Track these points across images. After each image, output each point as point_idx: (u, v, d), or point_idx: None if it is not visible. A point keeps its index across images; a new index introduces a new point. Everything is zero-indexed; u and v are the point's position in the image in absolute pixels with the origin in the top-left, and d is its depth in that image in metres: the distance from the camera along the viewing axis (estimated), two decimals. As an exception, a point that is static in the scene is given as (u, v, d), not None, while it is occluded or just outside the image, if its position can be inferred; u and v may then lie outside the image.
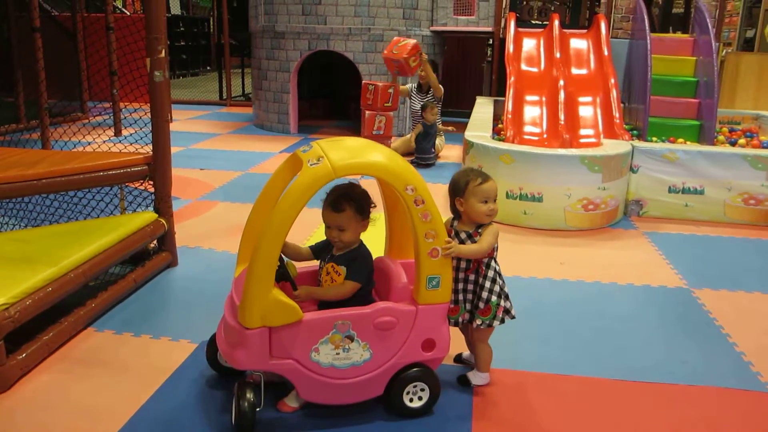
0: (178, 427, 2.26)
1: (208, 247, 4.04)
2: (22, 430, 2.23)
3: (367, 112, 5.88)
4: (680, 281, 3.70)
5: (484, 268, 2.40)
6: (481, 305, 2.39)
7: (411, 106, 7.17)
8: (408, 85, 7.13)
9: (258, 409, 2.16)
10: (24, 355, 2.55)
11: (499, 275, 2.43)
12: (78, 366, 2.66)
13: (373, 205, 2.38)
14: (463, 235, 2.39)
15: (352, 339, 2.20)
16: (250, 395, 2.13)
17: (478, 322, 2.40)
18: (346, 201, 2.29)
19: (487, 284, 2.39)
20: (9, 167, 3.23)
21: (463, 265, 2.40)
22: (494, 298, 2.39)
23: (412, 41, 5.95)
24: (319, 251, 2.48)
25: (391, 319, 2.21)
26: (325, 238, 2.42)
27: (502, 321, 2.42)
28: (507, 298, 2.44)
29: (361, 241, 2.38)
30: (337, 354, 2.20)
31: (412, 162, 6.63)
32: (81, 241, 3.10)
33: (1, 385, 2.44)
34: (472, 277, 2.41)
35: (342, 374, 2.22)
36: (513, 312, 2.45)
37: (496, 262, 2.43)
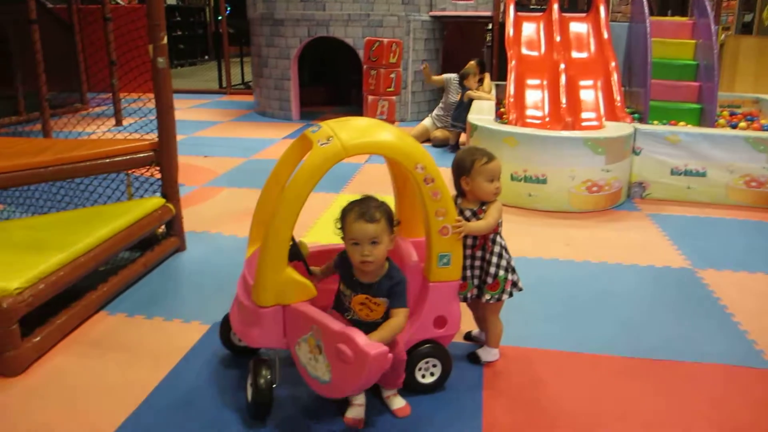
0: (193, 405, 2.29)
1: (216, 232, 4.06)
2: (38, 412, 2.26)
3: (369, 97, 5.89)
4: (684, 262, 3.74)
5: (490, 244, 2.43)
6: (490, 280, 2.43)
7: (447, 98, 6.89)
8: (446, 75, 6.97)
9: (274, 386, 2.19)
10: (38, 338, 2.58)
11: (505, 250, 2.47)
12: (92, 348, 2.69)
13: (397, 222, 2.20)
14: (468, 213, 2.42)
15: (320, 350, 2.05)
16: (266, 373, 2.16)
17: (487, 297, 2.44)
18: (378, 210, 2.08)
19: (494, 259, 2.42)
20: (15, 156, 3.25)
21: (469, 242, 2.43)
22: (501, 272, 2.43)
23: None
24: (330, 272, 2.33)
25: (348, 353, 1.93)
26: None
27: (511, 294, 2.47)
28: (514, 271, 2.48)
29: (388, 257, 2.16)
30: (309, 359, 2.10)
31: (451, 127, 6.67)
32: (90, 226, 3.12)
33: (16, 368, 2.48)
34: (479, 253, 2.44)
35: (310, 381, 2.12)
36: (520, 284, 2.50)
37: (501, 237, 2.47)
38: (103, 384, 2.43)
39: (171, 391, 2.38)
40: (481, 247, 2.44)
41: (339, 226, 2.13)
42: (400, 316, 2.11)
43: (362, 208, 2.07)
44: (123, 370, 2.52)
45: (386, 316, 2.13)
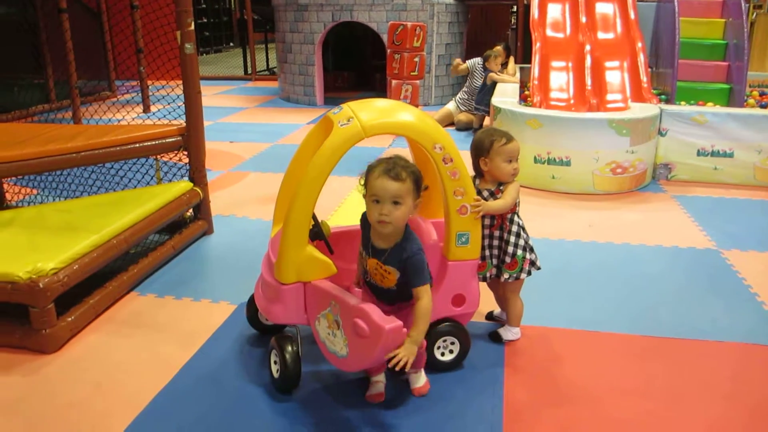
0: (222, 381, 2.37)
1: (242, 215, 4.15)
2: (74, 387, 2.36)
3: (393, 81, 5.90)
4: (709, 242, 3.71)
5: (508, 223, 2.46)
6: (508, 259, 2.46)
7: (472, 82, 6.89)
8: (470, 61, 6.94)
9: (300, 358, 2.25)
10: (72, 317, 2.68)
11: (523, 229, 2.49)
12: (123, 327, 2.78)
13: (425, 187, 2.13)
14: (485, 194, 2.45)
15: (338, 326, 2.07)
16: (291, 347, 2.22)
17: (506, 276, 2.48)
18: (405, 170, 1.99)
19: (512, 239, 2.45)
20: (48, 142, 3.35)
21: (487, 222, 2.46)
22: (519, 251, 2.46)
23: None
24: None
25: (364, 327, 1.95)
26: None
27: (529, 273, 2.50)
28: (532, 250, 2.50)
29: (407, 226, 2.09)
30: (328, 334, 2.13)
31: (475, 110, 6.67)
32: (121, 210, 3.21)
33: (52, 345, 2.58)
34: (497, 233, 2.48)
35: (329, 356, 2.16)
36: (538, 263, 2.52)
37: (519, 216, 2.49)
38: (134, 361, 2.52)
39: (200, 367, 2.46)
40: (499, 227, 2.47)
41: (362, 182, 2.05)
42: (423, 297, 2.03)
43: (388, 165, 2.00)
44: (153, 348, 2.61)
45: (399, 286, 2.12)
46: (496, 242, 2.49)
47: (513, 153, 2.41)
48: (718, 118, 4.72)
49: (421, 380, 2.28)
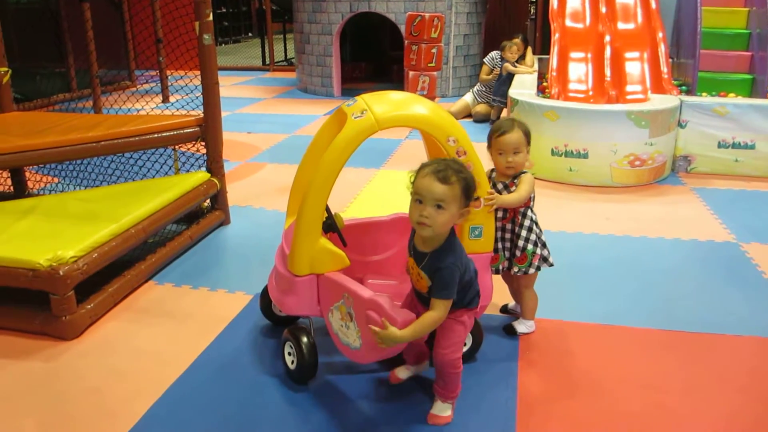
0: (237, 370, 2.40)
1: (259, 206, 4.18)
2: (93, 372, 2.41)
3: (410, 72, 5.89)
4: (728, 235, 3.67)
5: (520, 217, 2.45)
6: (518, 253, 2.46)
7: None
8: (487, 58, 6.84)
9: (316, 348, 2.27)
10: (92, 305, 2.73)
11: (536, 224, 2.49)
12: (142, 315, 2.83)
13: (475, 198, 2.02)
14: (500, 186, 2.45)
15: (351, 318, 2.07)
16: (306, 338, 2.25)
17: (515, 269, 2.48)
18: (456, 175, 1.87)
19: (524, 233, 2.45)
20: (69, 131, 3.40)
21: (499, 214, 2.46)
22: (530, 246, 2.45)
23: None
24: None
25: (376, 320, 1.93)
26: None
27: (538, 268, 2.49)
28: (544, 246, 2.49)
29: (452, 232, 1.97)
30: (341, 326, 2.14)
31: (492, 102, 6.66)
32: (139, 199, 3.25)
33: (72, 332, 2.63)
34: (508, 226, 2.47)
35: (342, 347, 2.18)
36: (551, 260, 2.51)
37: (532, 211, 2.48)
38: (152, 349, 2.56)
39: (216, 356, 2.50)
40: (511, 220, 2.46)
41: (412, 179, 1.93)
42: (436, 310, 1.91)
43: (439, 166, 1.88)
44: (170, 337, 2.65)
45: (431, 293, 1.97)
46: (507, 235, 2.49)
47: (503, 145, 2.38)
48: (740, 109, 4.66)
49: (444, 411, 2.11)
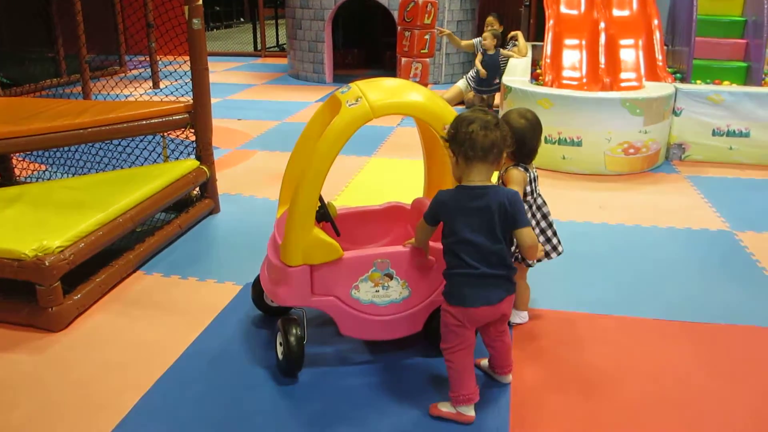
0: (227, 361, 2.37)
1: (249, 194, 4.12)
2: (81, 364, 2.36)
3: (403, 59, 5.84)
4: (723, 224, 3.66)
5: None
6: None
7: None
8: (476, 39, 6.82)
9: (305, 342, 2.25)
10: (79, 295, 2.68)
11: (533, 217, 2.45)
12: (130, 306, 2.78)
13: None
14: None
15: (391, 277, 2.24)
16: (296, 330, 2.21)
17: None
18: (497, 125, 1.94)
19: None
20: (56, 117, 3.34)
21: None
22: None
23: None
24: None
25: (431, 259, 2.22)
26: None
27: (524, 261, 2.48)
28: (548, 240, 2.48)
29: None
30: (376, 291, 2.25)
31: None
32: (127, 187, 3.19)
33: (59, 323, 2.58)
34: None
35: (381, 311, 2.28)
36: (553, 255, 2.50)
37: (530, 206, 2.45)
38: (140, 340, 2.52)
39: (206, 348, 2.46)
40: None
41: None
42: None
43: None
44: (159, 328, 2.60)
45: None
46: None
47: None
48: (735, 97, 4.64)
49: (444, 406, 2.08)
